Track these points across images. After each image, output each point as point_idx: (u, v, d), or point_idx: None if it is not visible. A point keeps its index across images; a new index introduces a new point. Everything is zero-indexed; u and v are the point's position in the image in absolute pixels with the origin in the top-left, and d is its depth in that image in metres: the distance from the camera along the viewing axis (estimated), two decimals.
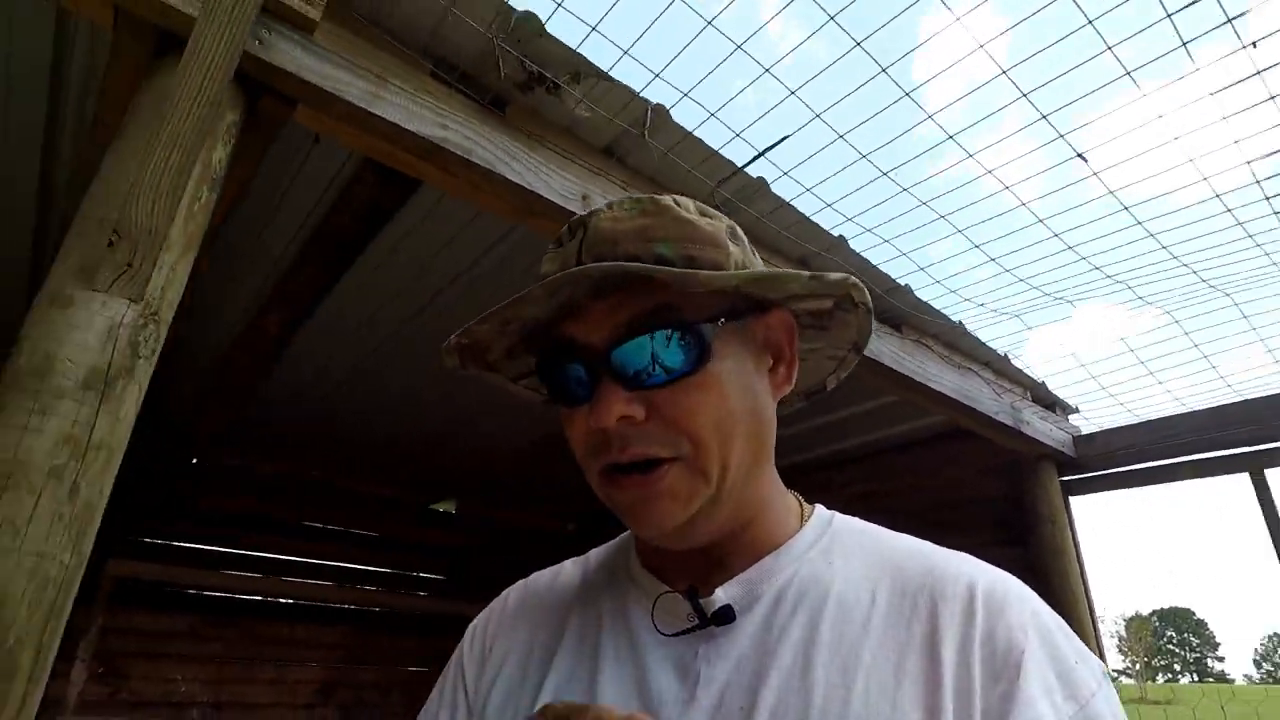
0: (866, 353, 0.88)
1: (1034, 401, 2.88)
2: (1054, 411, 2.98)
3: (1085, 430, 3.00)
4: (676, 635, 0.63)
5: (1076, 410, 3.01)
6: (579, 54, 1.55)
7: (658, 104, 1.66)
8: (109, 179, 1.16)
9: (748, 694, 0.57)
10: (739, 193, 1.90)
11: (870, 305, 0.70)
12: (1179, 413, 2.79)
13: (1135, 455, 2.80)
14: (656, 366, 0.60)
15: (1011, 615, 0.58)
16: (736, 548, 0.66)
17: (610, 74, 1.58)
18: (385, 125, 1.42)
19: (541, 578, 0.82)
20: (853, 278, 0.67)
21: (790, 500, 0.72)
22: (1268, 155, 1.70)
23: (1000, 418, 2.62)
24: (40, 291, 1.07)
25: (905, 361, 2.33)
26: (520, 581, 0.83)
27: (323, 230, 2.06)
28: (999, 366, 2.73)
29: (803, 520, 0.70)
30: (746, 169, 1.84)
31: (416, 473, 4.45)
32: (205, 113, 1.08)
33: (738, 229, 0.71)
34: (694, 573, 0.66)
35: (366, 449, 4.03)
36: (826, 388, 0.82)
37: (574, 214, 1.54)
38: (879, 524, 0.73)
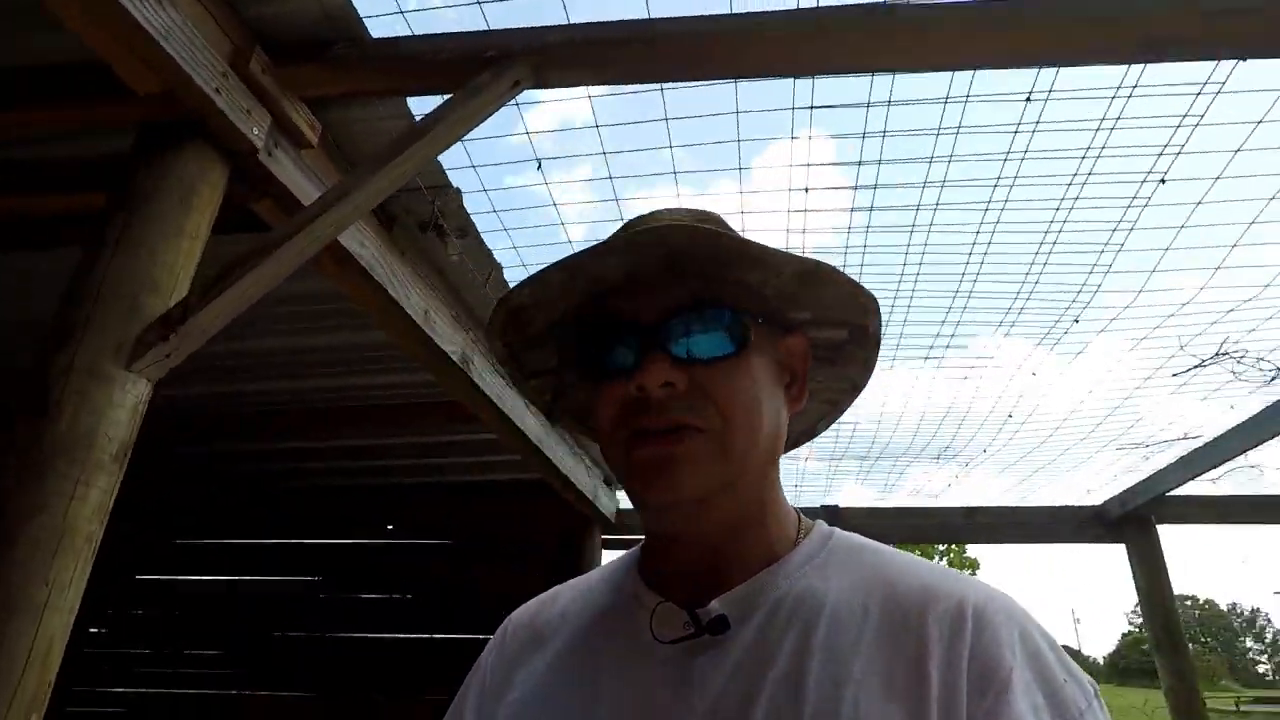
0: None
1: (604, 481, 4.00)
2: (610, 486, 4.15)
3: (624, 505, 4.25)
4: (673, 643, 0.64)
5: (621, 486, 4.24)
6: (469, 215, 2.01)
7: (498, 263, 2.19)
8: (141, 260, 1.26)
9: (742, 702, 0.59)
10: None
11: (880, 340, 0.75)
12: None
13: None
14: (705, 343, 0.66)
15: (1000, 633, 0.59)
16: (735, 557, 0.68)
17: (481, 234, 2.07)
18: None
19: (535, 605, 0.84)
20: (875, 302, 0.72)
21: (791, 514, 0.74)
22: None
23: (586, 491, 3.64)
24: (72, 360, 1.15)
25: (551, 448, 3.16)
26: (515, 612, 0.85)
27: None
28: (595, 455, 3.77)
29: (801, 535, 0.72)
30: None
31: None
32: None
33: None
34: (693, 586, 0.67)
35: None
36: (817, 431, 0.85)
37: (416, 324, 2.01)
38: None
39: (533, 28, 1.39)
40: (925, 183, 1.74)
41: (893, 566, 0.67)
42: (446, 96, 1.47)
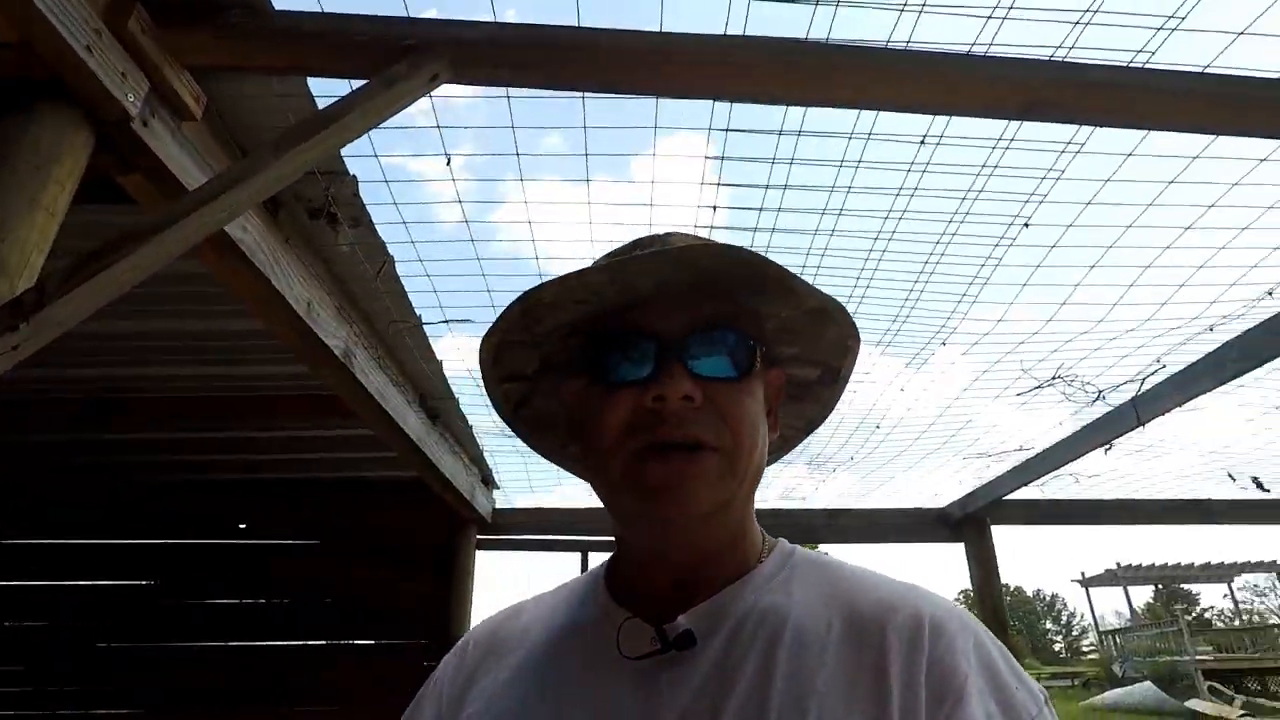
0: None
1: (482, 481, 3.91)
2: (487, 486, 4.06)
3: (500, 505, 4.18)
4: (640, 659, 0.65)
5: (499, 487, 4.16)
6: (364, 204, 1.90)
7: (390, 255, 2.09)
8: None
9: (708, 716, 0.59)
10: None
11: (849, 379, 0.78)
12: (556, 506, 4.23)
13: (529, 529, 4.12)
14: (720, 363, 0.67)
15: (956, 643, 0.61)
16: (708, 573, 0.70)
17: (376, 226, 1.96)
18: None
19: (497, 618, 0.83)
20: (860, 343, 0.76)
21: (757, 532, 0.76)
22: None
23: (464, 491, 3.54)
24: None
25: (433, 448, 3.05)
26: (476, 625, 0.85)
27: None
28: (474, 453, 3.67)
29: (765, 552, 0.74)
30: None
31: None
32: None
33: None
34: (661, 602, 0.68)
35: None
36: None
37: (299, 315, 1.89)
38: None
39: (456, 20, 1.33)
40: (824, 210, 1.84)
41: (853, 581, 0.70)
42: (354, 82, 1.39)
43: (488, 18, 1.35)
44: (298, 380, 2.84)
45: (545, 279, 0.69)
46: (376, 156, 1.74)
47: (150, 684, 3.68)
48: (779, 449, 0.86)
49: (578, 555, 4.13)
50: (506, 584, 4.87)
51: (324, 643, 3.81)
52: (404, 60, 1.30)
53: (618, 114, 1.67)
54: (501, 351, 0.76)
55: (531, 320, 0.72)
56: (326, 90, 1.57)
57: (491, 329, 0.73)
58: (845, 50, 1.42)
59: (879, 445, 3.46)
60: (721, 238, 0.79)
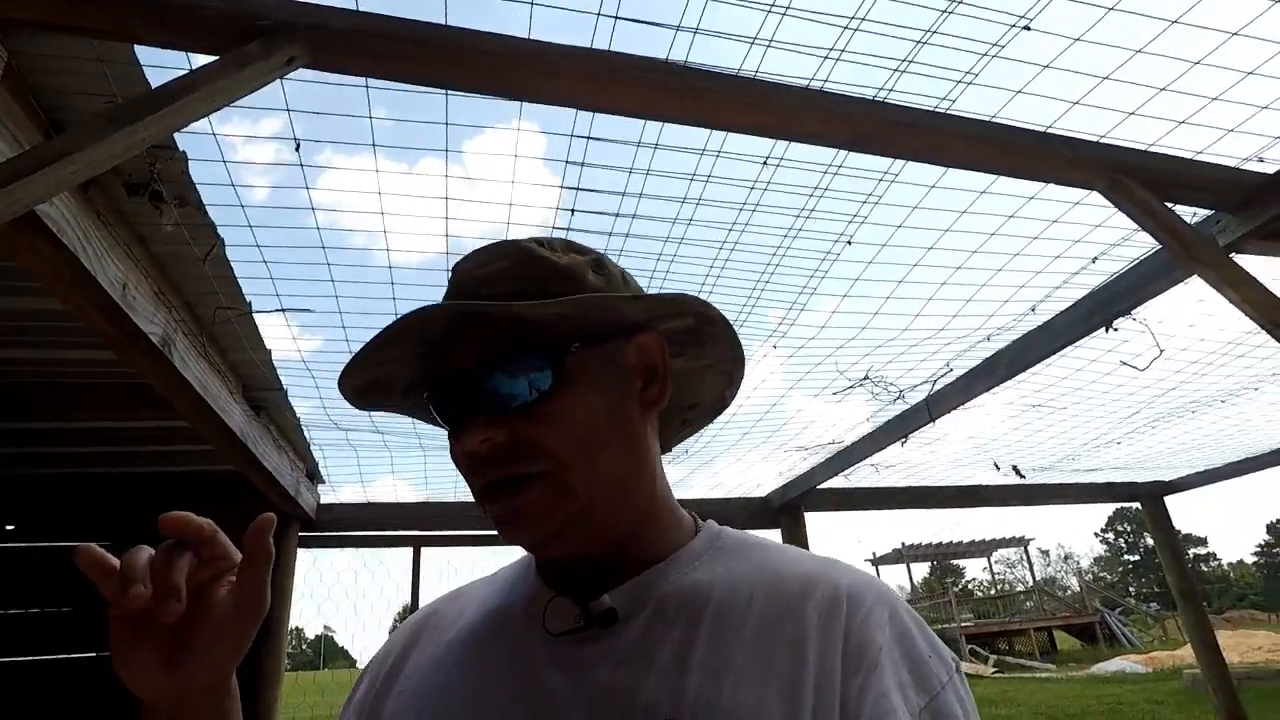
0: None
1: (307, 475, 3.69)
2: (312, 480, 3.84)
3: (325, 500, 3.96)
4: (563, 635, 0.67)
5: (325, 481, 3.95)
6: (193, 183, 1.75)
7: (220, 237, 1.93)
8: None
9: (627, 691, 0.61)
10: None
11: (725, 318, 0.76)
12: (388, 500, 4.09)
13: (357, 524, 3.95)
14: (512, 393, 0.66)
15: (871, 615, 0.62)
16: (624, 558, 0.71)
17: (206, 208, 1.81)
18: None
19: (437, 601, 0.86)
20: (689, 295, 0.73)
21: (682, 516, 0.77)
22: None
23: (289, 488, 3.34)
24: None
25: (252, 438, 2.85)
26: (420, 609, 0.86)
27: None
28: (300, 448, 3.46)
29: (693, 534, 0.76)
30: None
31: None
32: None
33: (605, 260, 0.76)
34: (585, 581, 0.69)
35: None
36: (726, 401, 0.87)
37: (112, 299, 1.73)
38: None
39: (318, 5, 1.28)
40: (675, 219, 1.94)
41: (776, 559, 0.72)
42: (195, 56, 1.29)
43: (350, 5, 1.31)
44: (105, 367, 2.54)
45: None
46: (214, 135, 1.61)
47: None
48: (728, 385, 0.84)
49: (409, 550, 4.02)
50: (331, 581, 4.64)
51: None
52: (256, 40, 1.23)
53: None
54: (365, 392, 0.73)
55: (381, 393, 0.73)
56: (154, 61, 1.45)
57: (342, 386, 0.71)
58: (701, 74, 1.52)
59: (713, 438, 3.68)
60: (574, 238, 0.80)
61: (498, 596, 0.78)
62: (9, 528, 3.53)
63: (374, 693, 0.76)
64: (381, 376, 0.70)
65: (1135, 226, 1.95)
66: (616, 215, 1.90)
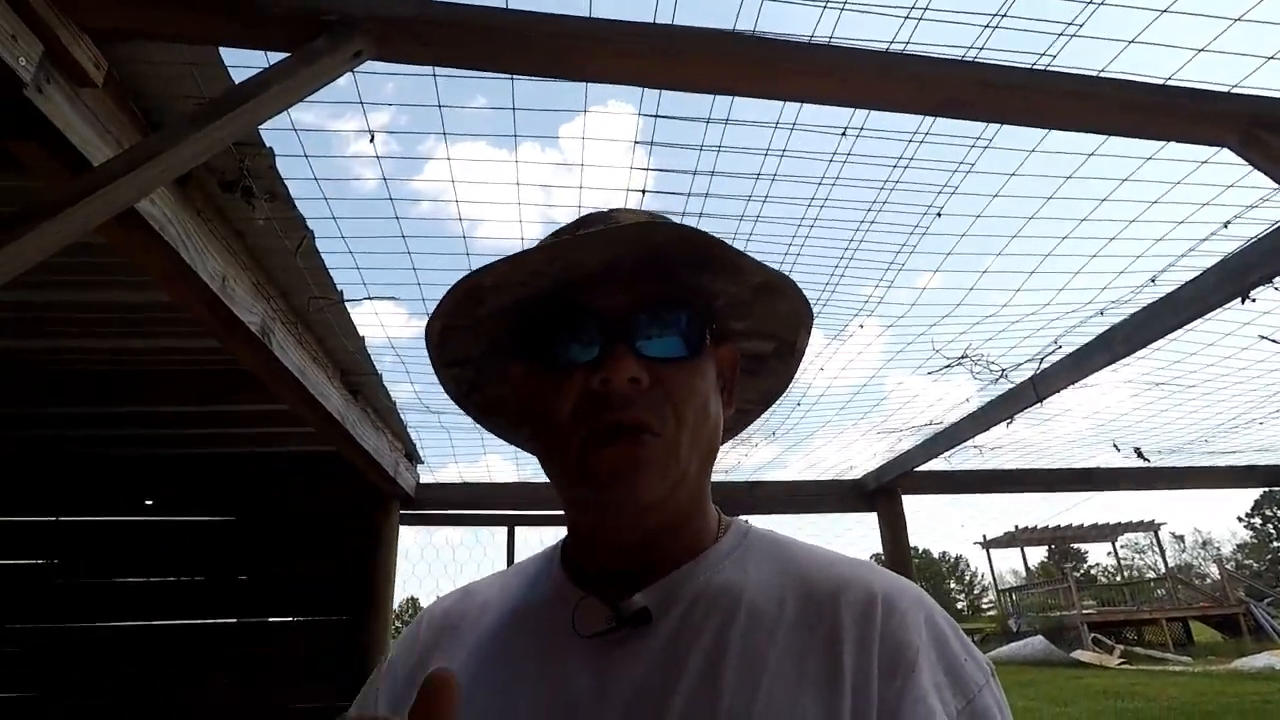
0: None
1: (406, 456, 3.85)
2: (411, 461, 4.01)
3: (424, 480, 4.13)
4: (594, 637, 0.65)
5: (423, 462, 4.11)
6: (281, 178, 1.83)
7: (310, 230, 2.02)
8: None
9: (660, 694, 0.59)
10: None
11: (804, 354, 0.77)
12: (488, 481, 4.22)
13: (454, 504, 4.10)
14: (668, 343, 0.66)
15: (907, 618, 0.62)
16: (663, 553, 0.69)
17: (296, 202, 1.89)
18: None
19: (450, 599, 0.83)
20: (813, 317, 0.75)
21: (714, 511, 0.76)
22: None
23: (388, 468, 3.49)
24: None
25: (359, 428, 2.99)
26: (429, 606, 0.84)
27: None
28: (397, 428, 3.61)
29: (721, 531, 0.74)
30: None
31: None
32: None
33: None
34: (616, 581, 0.68)
35: None
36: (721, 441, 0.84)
37: (213, 291, 1.82)
38: None
39: None
40: (750, 196, 1.88)
41: (807, 559, 0.70)
42: (271, 54, 1.34)
43: None
44: (211, 355, 2.72)
45: (475, 256, 0.68)
46: (295, 130, 1.68)
47: (51, 666, 3.51)
48: (736, 424, 0.87)
49: (504, 530, 4.14)
50: (430, 559, 4.85)
51: (235, 621, 3.70)
52: (322, 36, 1.26)
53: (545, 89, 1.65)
54: (446, 336, 0.73)
55: (474, 303, 0.70)
56: (239, 61, 1.51)
57: (434, 315, 0.71)
58: (773, 44, 1.45)
59: (802, 419, 3.59)
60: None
61: (520, 594, 0.76)
62: (148, 503, 3.88)
63: (395, 698, 0.72)
64: (506, 280, 0.67)
65: (1274, 185, 1.73)
66: (688, 195, 1.85)
